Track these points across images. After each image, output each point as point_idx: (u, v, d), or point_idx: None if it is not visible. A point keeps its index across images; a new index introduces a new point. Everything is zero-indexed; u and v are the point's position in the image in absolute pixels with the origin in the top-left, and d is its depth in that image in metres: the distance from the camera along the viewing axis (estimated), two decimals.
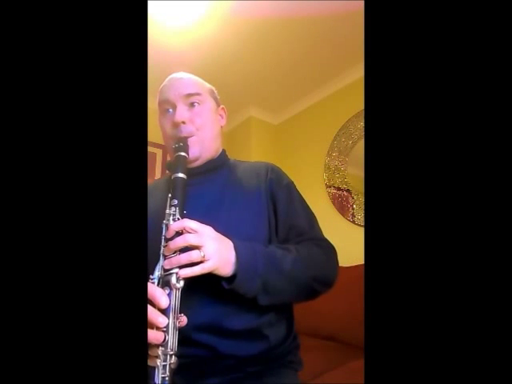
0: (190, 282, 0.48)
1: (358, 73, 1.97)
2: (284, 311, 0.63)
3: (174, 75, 0.68)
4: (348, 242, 1.57)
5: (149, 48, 1.69)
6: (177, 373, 0.48)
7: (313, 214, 0.69)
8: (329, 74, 2.04)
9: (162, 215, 0.52)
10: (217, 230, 0.52)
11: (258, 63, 1.90)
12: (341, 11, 1.52)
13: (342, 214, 1.90)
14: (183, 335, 0.49)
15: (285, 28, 1.64)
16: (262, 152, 2.40)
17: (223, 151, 0.74)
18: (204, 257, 0.46)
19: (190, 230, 0.48)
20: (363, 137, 1.84)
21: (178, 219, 0.50)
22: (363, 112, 1.84)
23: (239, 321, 0.55)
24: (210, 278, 0.50)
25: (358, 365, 1.02)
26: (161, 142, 2.31)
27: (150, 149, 2.16)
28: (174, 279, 0.46)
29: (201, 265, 0.47)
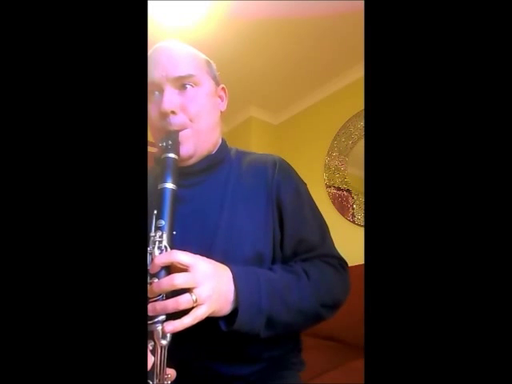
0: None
1: (358, 73, 1.97)
2: (292, 337, 0.59)
3: (160, 47, 0.53)
4: (348, 242, 1.57)
5: (149, 48, 1.68)
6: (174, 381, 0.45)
7: (325, 223, 0.60)
8: (329, 73, 2.04)
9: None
10: (215, 244, 0.46)
11: (258, 63, 1.90)
12: (341, 11, 1.52)
13: (342, 214, 1.90)
14: (180, 361, 0.43)
15: (285, 28, 1.64)
16: (261, 152, 2.39)
17: (223, 143, 0.61)
18: (196, 301, 0.38)
19: (179, 265, 0.39)
20: (363, 137, 1.84)
21: (165, 248, 0.40)
22: (363, 112, 1.84)
23: (241, 347, 0.50)
24: None
25: (358, 365, 1.02)
26: None
27: (150, 149, 2.15)
28: (158, 332, 0.37)
29: (192, 313, 0.38)
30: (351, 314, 1.33)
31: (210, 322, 0.42)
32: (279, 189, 0.56)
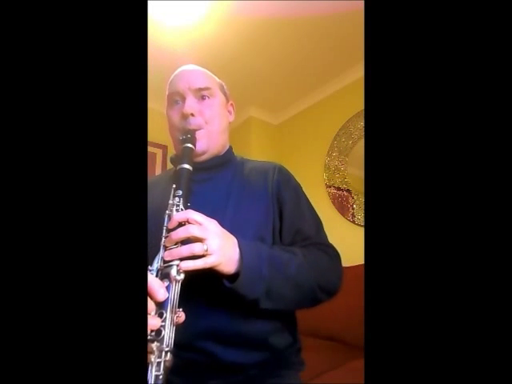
0: (192, 285, 0.46)
1: (358, 73, 1.97)
2: (287, 319, 0.62)
3: (185, 67, 0.67)
4: (348, 242, 1.57)
5: (149, 48, 1.69)
6: (175, 374, 0.46)
7: (319, 218, 0.67)
8: (329, 74, 2.04)
9: (164, 208, 0.50)
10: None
11: (258, 63, 1.90)
12: (341, 11, 1.52)
13: (342, 214, 1.90)
14: (183, 341, 0.48)
15: (285, 28, 1.64)
16: (262, 152, 2.39)
17: (230, 148, 0.72)
18: (207, 251, 0.44)
19: (193, 222, 0.46)
20: (363, 137, 1.84)
21: (182, 210, 0.49)
22: (363, 112, 1.84)
23: (242, 329, 0.53)
24: (212, 282, 0.48)
25: (358, 365, 1.02)
26: (161, 141, 2.31)
27: (150, 149, 2.16)
28: (173, 271, 0.43)
29: (203, 259, 0.45)
30: (351, 314, 1.33)
31: (213, 296, 0.50)
32: (279, 187, 0.64)
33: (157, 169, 2.22)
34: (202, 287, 0.51)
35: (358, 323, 1.26)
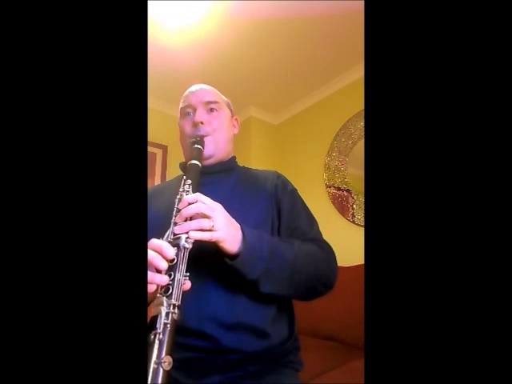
0: (196, 271, 0.50)
1: (358, 73, 1.97)
2: (285, 310, 0.65)
3: (197, 86, 0.77)
4: (348, 242, 1.57)
5: (149, 48, 1.69)
6: (178, 369, 0.48)
7: (314, 218, 0.73)
8: (329, 74, 2.04)
9: (173, 205, 0.54)
10: None
11: (258, 63, 1.90)
12: (341, 11, 1.52)
13: (342, 214, 1.90)
14: (188, 325, 0.52)
15: (285, 28, 1.64)
16: (262, 152, 2.39)
17: (233, 157, 0.81)
18: (213, 227, 0.49)
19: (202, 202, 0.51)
20: (363, 137, 1.84)
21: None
22: (363, 112, 1.84)
23: (242, 315, 0.56)
24: (216, 267, 0.53)
25: (358, 365, 1.02)
26: (161, 141, 2.31)
27: (150, 149, 2.16)
28: (182, 241, 0.48)
29: (210, 233, 0.49)
30: (351, 315, 1.33)
31: (216, 281, 0.56)
32: (277, 190, 0.71)
33: (157, 169, 2.21)
34: (205, 273, 0.56)
35: (358, 323, 1.26)
